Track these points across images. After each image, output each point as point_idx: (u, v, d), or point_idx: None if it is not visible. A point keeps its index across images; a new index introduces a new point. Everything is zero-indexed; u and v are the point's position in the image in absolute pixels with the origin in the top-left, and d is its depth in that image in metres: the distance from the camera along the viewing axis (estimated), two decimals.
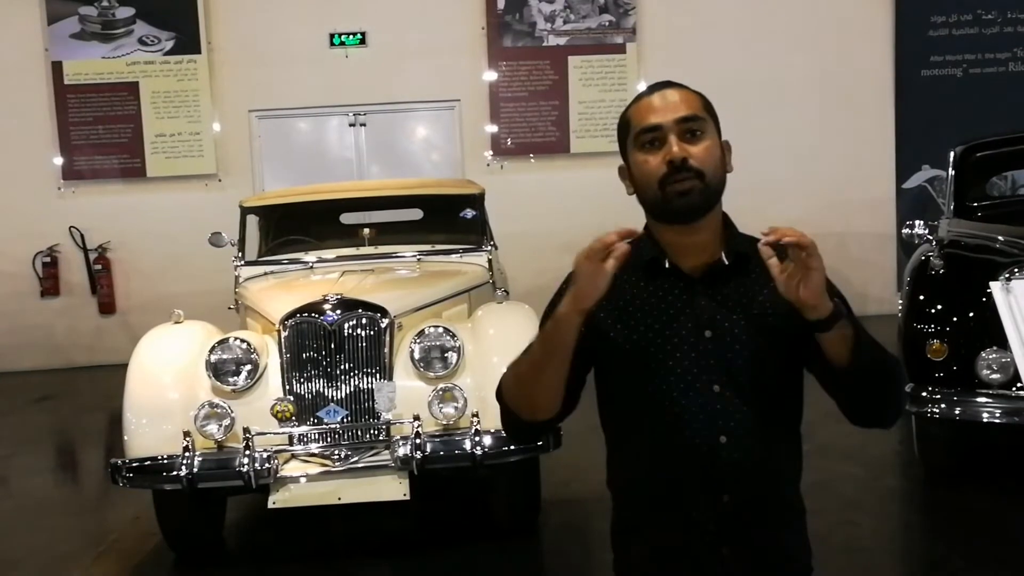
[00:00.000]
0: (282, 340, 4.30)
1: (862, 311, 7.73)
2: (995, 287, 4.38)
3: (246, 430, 4.04)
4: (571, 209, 9.00)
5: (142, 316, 8.32)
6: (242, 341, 4.29)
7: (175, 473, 3.99)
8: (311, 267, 5.46)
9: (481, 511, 4.66)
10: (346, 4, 9.66)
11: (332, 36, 9.63)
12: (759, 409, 1.79)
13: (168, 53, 9.58)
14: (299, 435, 4.17)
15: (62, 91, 9.56)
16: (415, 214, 6.45)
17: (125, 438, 4.19)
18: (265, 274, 5.51)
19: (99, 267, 9.65)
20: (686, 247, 1.82)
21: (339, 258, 5.57)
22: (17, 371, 9.42)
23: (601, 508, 2.08)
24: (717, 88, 2.42)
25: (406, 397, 4.18)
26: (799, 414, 1.89)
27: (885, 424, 1.86)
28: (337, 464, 4.11)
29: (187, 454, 3.99)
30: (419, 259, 5.53)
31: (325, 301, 4.33)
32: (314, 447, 4.17)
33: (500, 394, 1.88)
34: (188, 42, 9.57)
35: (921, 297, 4.87)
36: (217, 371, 4.23)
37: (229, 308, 5.68)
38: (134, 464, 4.10)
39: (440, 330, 4.32)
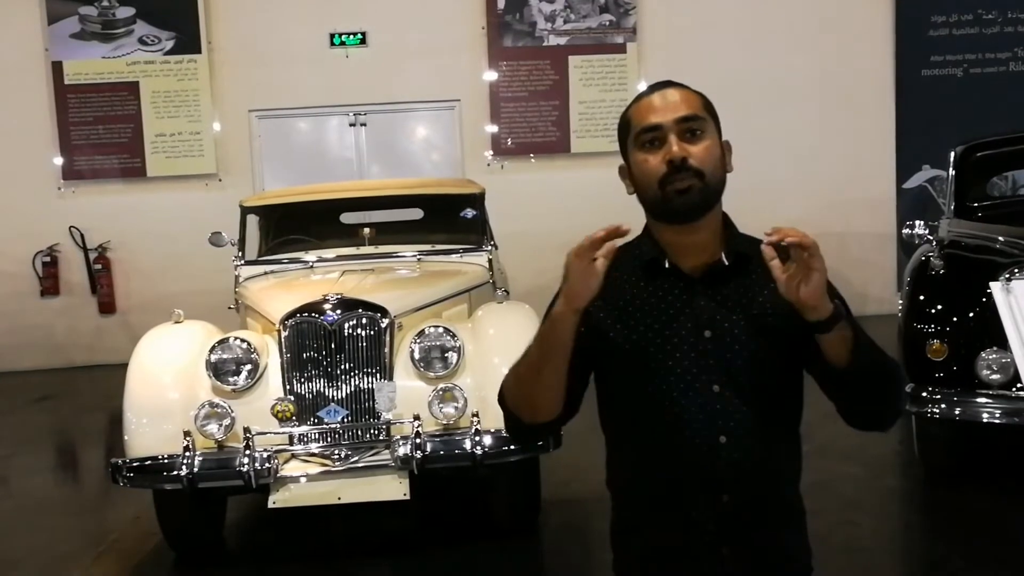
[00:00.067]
0: (282, 340, 4.30)
1: (862, 311, 7.76)
2: (995, 287, 4.38)
3: (246, 430, 4.04)
4: (571, 209, 8.97)
5: (142, 316, 8.33)
6: (242, 341, 4.29)
7: (175, 473, 3.99)
8: (311, 267, 5.46)
9: (481, 511, 4.66)
10: (346, 4, 9.66)
11: (332, 36, 9.63)
12: (759, 409, 1.80)
13: (168, 53, 9.58)
14: (299, 435, 4.17)
15: (62, 91, 9.56)
16: (415, 214, 6.45)
17: (125, 438, 4.20)
18: (265, 274, 5.51)
19: (99, 267, 9.65)
20: (686, 247, 1.82)
21: (339, 258, 5.57)
22: (17, 371, 9.42)
23: (601, 508, 2.08)
24: (717, 88, 2.42)
25: (406, 397, 4.18)
26: (799, 414, 1.89)
27: (883, 427, 1.86)
28: (337, 464, 4.10)
29: (187, 454, 3.99)
30: (419, 259, 5.53)
31: (325, 301, 4.33)
32: (314, 447, 4.17)
33: (502, 397, 1.88)
34: (188, 42, 9.57)
35: (921, 297, 4.87)
36: (217, 371, 4.23)
37: (229, 308, 5.68)
38: (134, 464, 4.10)
39: (440, 330, 4.33)
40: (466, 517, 4.85)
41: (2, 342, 9.54)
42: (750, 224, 1.91)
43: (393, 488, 4.08)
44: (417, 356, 4.28)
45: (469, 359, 4.30)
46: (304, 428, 4.17)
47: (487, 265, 5.57)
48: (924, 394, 4.48)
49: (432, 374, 4.26)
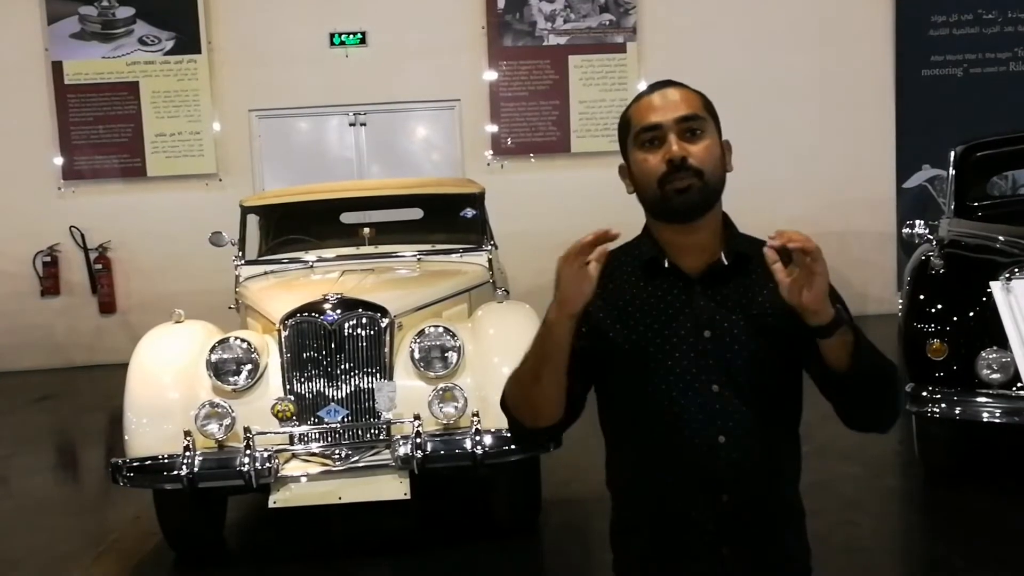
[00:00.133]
0: (282, 340, 4.30)
1: (862, 311, 7.75)
2: (995, 287, 4.36)
3: (247, 430, 4.04)
4: (571, 209, 8.96)
5: (142, 316, 8.33)
6: (242, 341, 4.29)
7: (176, 473, 3.99)
8: (311, 266, 5.46)
9: (481, 510, 4.66)
10: (346, 4, 9.66)
11: (332, 36, 9.63)
12: (758, 409, 1.80)
13: (168, 53, 9.58)
14: (299, 435, 4.17)
15: (62, 91, 9.56)
16: (415, 214, 6.45)
17: (125, 438, 4.20)
18: (265, 273, 5.51)
19: (99, 267, 9.66)
20: (686, 246, 1.82)
21: (339, 257, 5.57)
22: (17, 371, 9.42)
23: (601, 508, 2.08)
24: (717, 88, 2.42)
25: (406, 397, 4.18)
26: (798, 414, 1.89)
27: (882, 429, 1.86)
28: (337, 464, 4.11)
29: (188, 454, 4.00)
30: (419, 259, 5.53)
31: (325, 301, 4.33)
32: (314, 447, 4.17)
33: (504, 402, 1.88)
34: (188, 42, 9.57)
35: (921, 297, 4.87)
36: (218, 371, 4.23)
37: (229, 308, 5.68)
38: (135, 464, 4.10)
39: (440, 330, 4.33)
40: (466, 517, 4.85)
41: (2, 342, 9.54)
42: (750, 224, 1.91)
43: (393, 488, 4.08)
44: (417, 356, 4.28)
45: (469, 359, 4.30)
46: (304, 428, 4.17)
47: (487, 265, 5.57)
48: (924, 394, 4.48)
49: (432, 374, 4.26)
